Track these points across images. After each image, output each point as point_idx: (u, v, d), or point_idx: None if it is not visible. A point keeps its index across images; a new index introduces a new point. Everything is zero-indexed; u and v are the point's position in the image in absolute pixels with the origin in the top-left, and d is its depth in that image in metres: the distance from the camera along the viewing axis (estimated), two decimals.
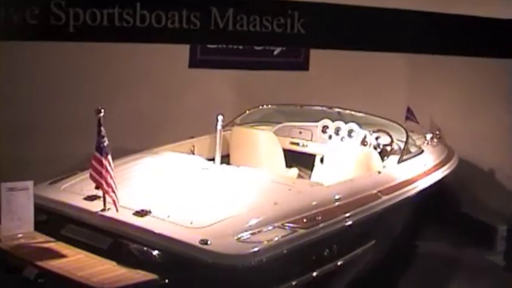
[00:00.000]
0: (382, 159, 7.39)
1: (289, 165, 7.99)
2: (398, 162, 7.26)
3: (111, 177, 5.24)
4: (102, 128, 5.23)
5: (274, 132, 8.07)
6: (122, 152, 6.15)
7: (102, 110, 5.23)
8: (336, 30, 5.66)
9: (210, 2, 5.07)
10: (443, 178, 7.74)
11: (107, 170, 5.22)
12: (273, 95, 9.41)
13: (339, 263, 5.73)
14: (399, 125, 7.85)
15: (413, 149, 7.66)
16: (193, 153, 7.32)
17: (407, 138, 7.48)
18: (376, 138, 7.68)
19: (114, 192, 5.24)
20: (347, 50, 5.99)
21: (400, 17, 6.04)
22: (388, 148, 7.61)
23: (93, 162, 5.25)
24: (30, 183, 5.34)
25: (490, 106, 9.29)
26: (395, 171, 7.10)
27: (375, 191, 6.45)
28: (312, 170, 7.98)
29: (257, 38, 5.32)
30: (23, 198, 5.30)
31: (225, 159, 7.02)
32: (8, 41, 4.99)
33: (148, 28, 4.92)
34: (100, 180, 5.22)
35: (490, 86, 9.22)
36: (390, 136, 7.66)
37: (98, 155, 5.23)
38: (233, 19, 5.15)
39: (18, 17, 4.59)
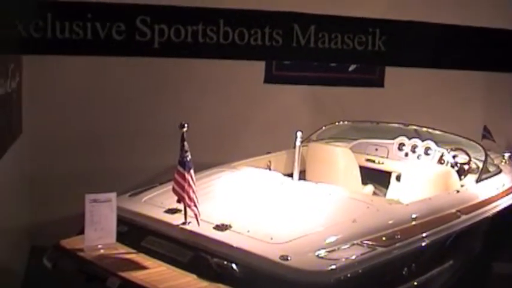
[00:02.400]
0: (460, 178, 7.31)
1: (364, 182, 7.95)
2: (477, 181, 7.16)
3: (194, 192, 5.32)
4: (186, 143, 5.32)
5: (350, 149, 8.05)
6: (200, 166, 6.21)
7: (186, 125, 5.32)
8: (417, 48, 5.61)
9: (292, 19, 5.09)
10: None
11: (189, 184, 5.29)
12: (347, 111, 9.41)
13: (415, 283, 5.65)
14: (477, 143, 7.75)
15: (491, 169, 7.55)
16: (269, 169, 7.37)
17: (485, 157, 7.37)
18: (454, 157, 7.60)
19: (196, 206, 5.31)
20: (427, 68, 5.95)
21: (481, 35, 5.96)
22: (466, 167, 7.51)
23: (176, 176, 5.34)
24: (113, 195, 5.44)
25: None
26: (474, 190, 7.01)
27: (453, 210, 6.38)
28: (387, 188, 7.94)
29: (338, 55, 5.31)
30: (106, 209, 5.40)
31: (301, 174, 7.02)
32: (93, 55, 5.09)
33: (231, 45, 4.95)
34: (182, 194, 5.30)
35: None
36: (468, 154, 7.57)
37: (180, 169, 5.31)
38: (315, 36, 5.15)
39: (105, 33, 4.67)
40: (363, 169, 7.97)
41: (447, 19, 5.63)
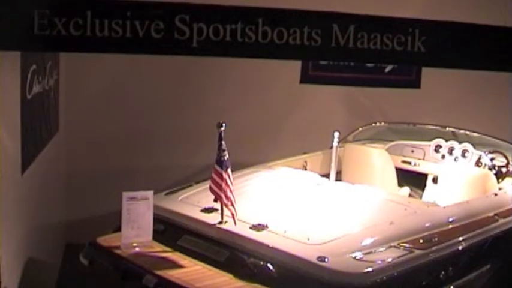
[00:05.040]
0: (498, 181, 7.21)
1: (400, 184, 7.89)
2: None
3: (231, 191, 5.32)
4: (223, 142, 5.32)
5: (386, 150, 8.00)
6: (236, 165, 6.20)
7: (224, 124, 5.32)
8: (456, 49, 5.55)
9: (331, 19, 5.05)
10: None
11: (226, 184, 5.29)
12: (383, 112, 9.37)
13: (452, 287, 5.60)
14: None
15: None
16: (305, 169, 7.35)
17: None
18: (492, 159, 7.50)
19: (233, 205, 5.31)
20: (467, 70, 5.88)
21: None
22: (504, 170, 7.40)
23: (213, 175, 5.34)
24: (150, 194, 5.45)
25: None
26: None
27: (491, 214, 6.31)
28: (423, 190, 7.85)
29: (377, 56, 5.26)
30: (143, 207, 5.41)
31: (337, 175, 7.02)
32: (132, 54, 5.10)
33: (270, 44, 4.93)
34: (219, 193, 5.30)
35: None
36: (506, 157, 7.47)
37: (218, 168, 5.31)
38: (354, 36, 5.11)
39: (144, 31, 4.67)
40: (399, 171, 7.92)
41: (487, 20, 5.57)
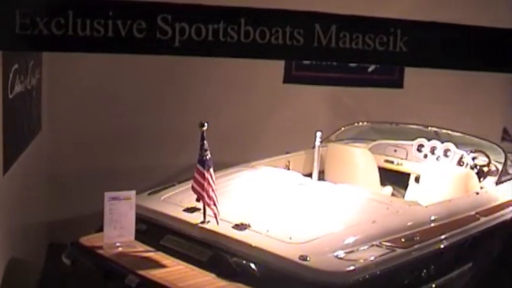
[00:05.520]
0: (479, 180, 7.25)
1: (383, 183, 7.91)
2: (497, 183, 7.09)
3: (213, 190, 5.33)
4: (205, 142, 5.32)
5: (369, 150, 8.02)
6: (219, 165, 6.20)
7: (206, 124, 5.33)
8: (438, 49, 5.57)
9: (313, 18, 5.07)
10: None
11: (208, 183, 5.30)
12: (366, 112, 9.39)
13: (434, 285, 5.61)
14: (497, 145, 7.69)
15: (511, 171, 7.50)
16: (288, 169, 7.36)
17: (505, 160, 7.30)
18: (473, 159, 7.53)
19: (215, 205, 5.32)
20: (449, 69, 5.91)
21: (504, 37, 5.91)
22: (486, 169, 7.44)
23: (196, 174, 5.34)
24: (132, 193, 5.44)
25: None
26: (493, 192, 6.96)
27: (473, 213, 6.35)
28: (405, 189, 7.89)
29: (359, 56, 5.28)
30: (125, 207, 5.40)
31: (320, 175, 7.02)
32: (114, 53, 5.09)
33: (252, 44, 4.93)
34: (202, 193, 5.30)
35: None
36: (488, 156, 7.51)
37: (200, 168, 5.31)
38: (336, 36, 5.12)
39: (126, 31, 4.67)
40: (381, 170, 7.94)
41: (470, 20, 5.60)
